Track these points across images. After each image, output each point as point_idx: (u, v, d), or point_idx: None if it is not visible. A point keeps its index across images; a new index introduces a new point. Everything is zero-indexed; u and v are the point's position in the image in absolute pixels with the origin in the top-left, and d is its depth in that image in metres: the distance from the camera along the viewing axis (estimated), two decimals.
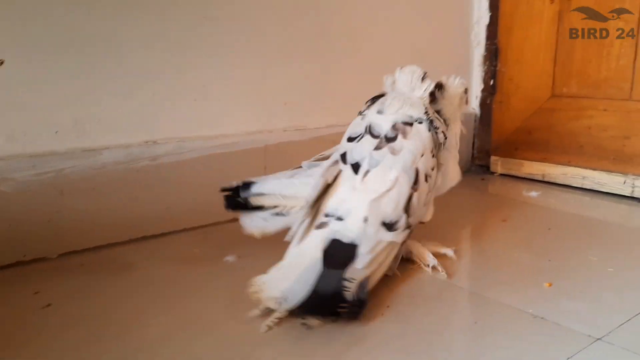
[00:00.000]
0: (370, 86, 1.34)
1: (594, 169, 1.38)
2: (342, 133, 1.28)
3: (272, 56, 1.17)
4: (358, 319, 0.73)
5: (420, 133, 0.86)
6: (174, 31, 1.03)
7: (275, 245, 1.00)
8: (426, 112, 0.88)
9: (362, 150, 0.84)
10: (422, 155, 0.84)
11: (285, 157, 1.19)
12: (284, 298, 0.70)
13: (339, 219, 0.78)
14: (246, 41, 1.13)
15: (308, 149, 1.22)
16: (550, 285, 0.85)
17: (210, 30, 1.07)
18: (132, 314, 0.76)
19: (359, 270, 0.73)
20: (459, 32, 1.53)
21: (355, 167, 0.83)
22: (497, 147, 1.58)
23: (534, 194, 1.37)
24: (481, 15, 1.53)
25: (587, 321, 0.74)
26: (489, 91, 1.57)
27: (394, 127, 0.85)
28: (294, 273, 0.72)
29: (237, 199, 0.89)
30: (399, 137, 0.84)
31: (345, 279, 0.71)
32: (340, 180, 0.83)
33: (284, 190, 0.87)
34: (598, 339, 0.69)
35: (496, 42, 1.54)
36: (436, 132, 0.88)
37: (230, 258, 0.94)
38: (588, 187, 1.39)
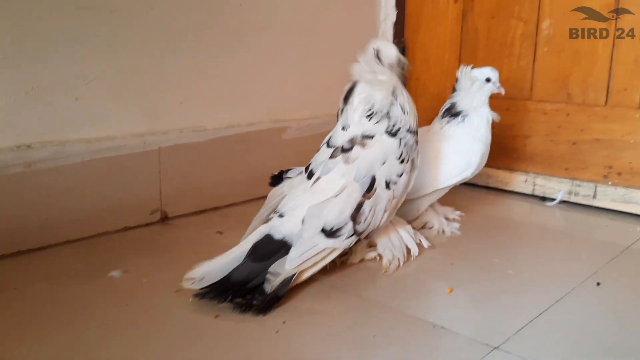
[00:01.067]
0: (275, 82, 1.30)
1: (498, 168, 1.40)
2: (246, 134, 1.24)
3: (166, 50, 1.08)
4: (266, 313, 0.74)
5: (383, 141, 0.87)
6: (48, 21, 0.92)
7: (164, 259, 0.93)
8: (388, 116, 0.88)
9: (319, 158, 0.89)
10: (384, 163, 0.86)
11: (181, 160, 1.11)
12: (200, 279, 0.74)
13: (281, 215, 0.83)
14: (136, 31, 1.03)
15: (207, 151, 1.15)
16: (452, 290, 0.84)
17: (91, 20, 0.97)
18: None
19: (287, 269, 0.77)
20: (366, 29, 1.50)
21: (310, 174, 0.88)
22: None
23: None
24: (388, 12, 1.52)
25: (485, 329, 0.73)
26: None
27: (351, 140, 0.87)
28: (221, 260, 0.77)
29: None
30: (355, 147, 0.86)
31: (269, 272, 0.77)
32: (295, 183, 0.90)
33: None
34: (495, 347, 0.68)
35: (403, 40, 1.53)
36: (401, 140, 0.88)
37: (115, 273, 0.86)
38: (492, 186, 1.41)
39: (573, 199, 1.29)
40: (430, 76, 1.50)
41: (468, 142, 1.10)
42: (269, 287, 0.76)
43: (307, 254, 0.78)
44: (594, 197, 1.26)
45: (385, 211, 0.87)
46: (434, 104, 1.49)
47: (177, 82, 1.11)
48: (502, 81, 1.35)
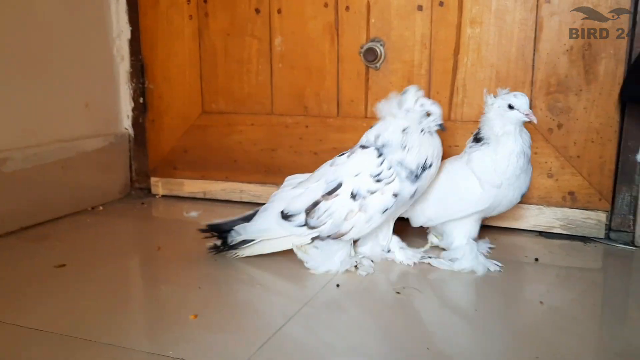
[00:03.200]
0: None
1: (250, 182, 1.42)
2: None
3: None
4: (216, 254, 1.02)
5: (366, 154, 0.95)
6: None
7: None
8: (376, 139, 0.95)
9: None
10: (356, 175, 0.93)
11: None
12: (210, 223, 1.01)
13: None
14: None
15: None
16: (196, 317, 0.80)
17: None
18: None
19: (246, 231, 0.99)
20: (99, 47, 1.40)
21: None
22: (156, 167, 1.50)
23: (194, 214, 1.34)
24: (122, 29, 1.44)
25: (226, 354, 0.71)
26: (140, 110, 1.49)
27: (350, 150, 1.00)
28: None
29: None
30: (346, 155, 0.99)
31: (234, 230, 1.00)
32: None
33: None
34: None
35: (141, 57, 1.46)
36: (384, 161, 0.93)
37: None
38: (247, 200, 1.42)
39: None
40: (173, 95, 1.45)
41: (466, 177, 0.99)
42: (229, 240, 1.00)
43: (260, 225, 0.99)
44: None
45: (345, 219, 0.93)
46: (179, 123, 1.45)
47: None
48: (244, 97, 1.39)
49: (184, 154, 1.46)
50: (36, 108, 1.23)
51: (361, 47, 1.26)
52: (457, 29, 1.19)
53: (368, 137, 0.98)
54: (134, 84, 1.47)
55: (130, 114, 1.49)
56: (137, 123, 1.50)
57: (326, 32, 1.29)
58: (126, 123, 1.49)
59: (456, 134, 1.23)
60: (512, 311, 0.85)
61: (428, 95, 1.23)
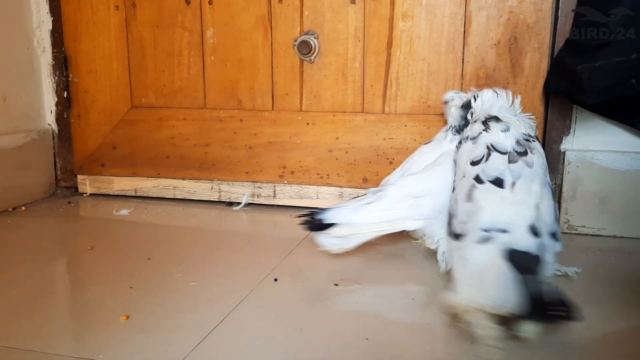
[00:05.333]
0: None
1: (183, 179, 1.38)
2: None
3: None
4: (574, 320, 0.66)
5: (539, 149, 0.89)
6: None
7: None
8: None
9: (497, 166, 0.84)
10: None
11: None
12: (498, 303, 0.67)
13: (503, 231, 0.76)
14: None
15: None
16: (127, 317, 0.77)
17: None
18: None
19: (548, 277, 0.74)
20: (19, 38, 1.32)
21: (498, 182, 0.83)
22: (83, 165, 1.43)
23: (125, 212, 1.28)
24: (42, 19, 1.36)
25: (160, 354, 0.68)
26: (65, 104, 1.41)
27: (518, 142, 0.88)
28: (490, 281, 0.70)
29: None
30: (528, 152, 0.86)
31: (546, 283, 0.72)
32: (479, 197, 0.83)
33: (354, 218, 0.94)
34: None
35: (64, 49, 1.38)
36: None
37: None
38: (180, 197, 1.38)
39: (256, 200, 1.34)
40: (99, 88, 1.39)
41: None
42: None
43: (552, 258, 0.79)
44: (274, 196, 1.33)
45: None
46: (106, 118, 1.40)
47: None
48: (176, 91, 1.35)
49: (112, 150, 1.40)
50: None
51: (295, 40, 1.25)
52: (390, 22, 1.20)
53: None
54: (57, 77, 1.40)
55: (53, 108, 1.41)
56: (61, 118, 1.42)
57: (259, 24, 1.27)
58: (49, 118, 1.41)
59: (390, 127, 1.24)
60: None
61: (362, 88, 1.24)
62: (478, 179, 0.85)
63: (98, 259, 1.01)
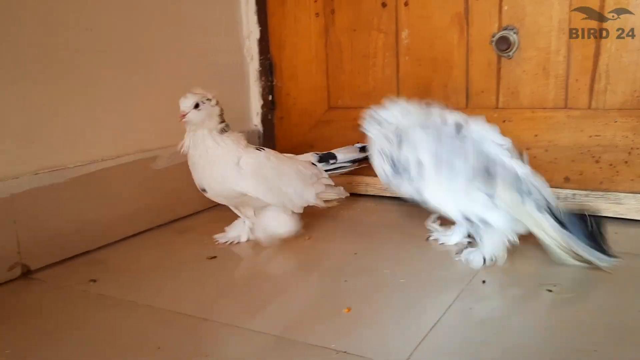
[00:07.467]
0: (143, 111, 1.21)
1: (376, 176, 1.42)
2: (112, 168, 1.13)
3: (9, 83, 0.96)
4: None
5: None
6: None
7: (28, 327, 0.82)
8: None
9: None
10: None
11: (40, 205, 0.99)
12: None
13: None
14: None
15: (69, 191, 1.05)
16: (349, 310, 0.82)
17: None
18: None
19: None
20: (231, 48, 1.46)
21: None
22: None
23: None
24: (251, 29, 1.49)
25: (386, 348, 0.72)
26: (269, 107, 1.54)
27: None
28: None
29: None
30: None
31: None
32: None
33: None
34: None
35: (269, 57, 1.51)
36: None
37: None
38: (372, 194, 1.43)
39: None
40: (299, 91, 1.49)
41: None
42: None
43: None
44: None
45: None
46: (306, 118, 1.49)
47: (25, 120, 0.99)
48: (370, 91, 1.40)
49: (310, 149, 1.49)
50: (173, 109, 1.30)
51: (492, 36, 1.23)
52: (599, 13, 1.13)
53: None
54: (262, 82, 1.53)
55: (259, 111, 1.55)
56: (265, 120, 1.55)
57: (454, 22, 1.27)
58: (255, 120, 1.55)
59: (597, 123, 1.16)
60: None
61: (565, 82, 1.18)
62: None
63: (313, 250, 1.09)
